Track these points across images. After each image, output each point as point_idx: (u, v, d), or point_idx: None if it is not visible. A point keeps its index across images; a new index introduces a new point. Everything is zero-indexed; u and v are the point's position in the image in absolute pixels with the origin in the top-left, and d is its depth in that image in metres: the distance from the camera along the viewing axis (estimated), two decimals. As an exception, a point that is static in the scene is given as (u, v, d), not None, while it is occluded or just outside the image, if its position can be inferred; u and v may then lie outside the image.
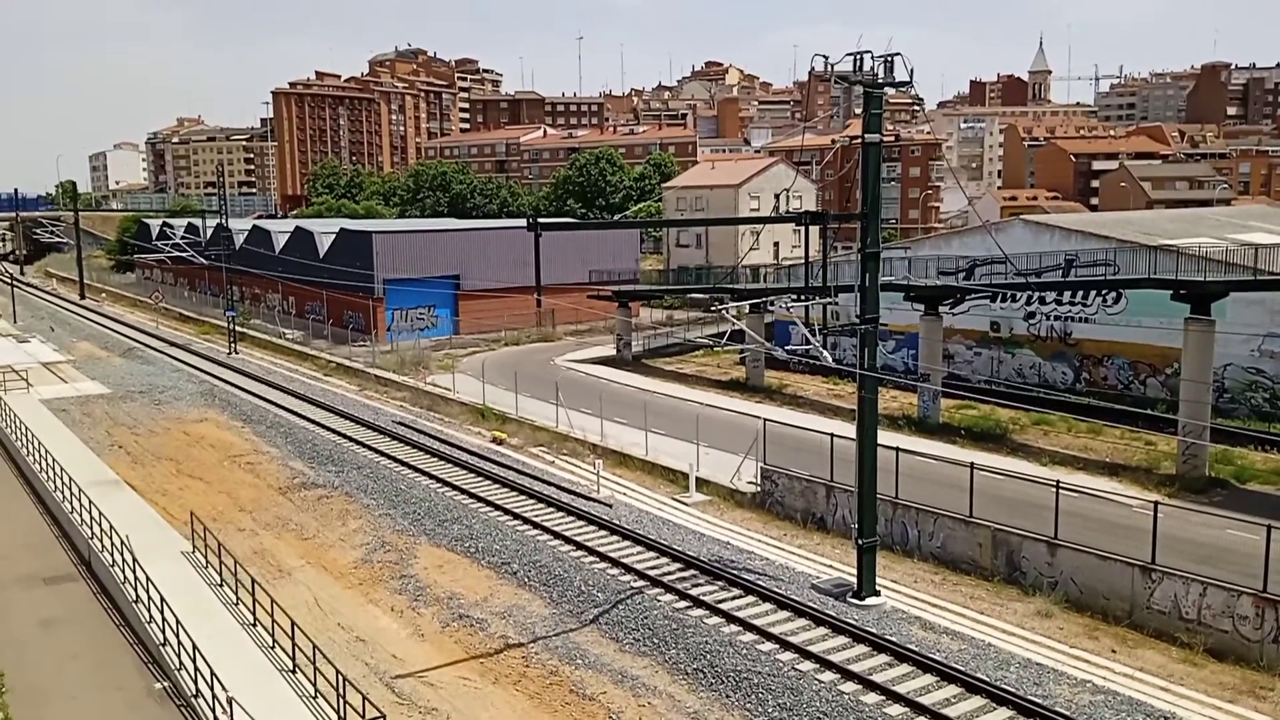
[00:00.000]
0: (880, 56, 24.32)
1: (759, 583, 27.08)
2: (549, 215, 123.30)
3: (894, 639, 23.72)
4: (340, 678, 20.28)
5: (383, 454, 42.37)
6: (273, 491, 38.84)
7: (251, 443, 45.99)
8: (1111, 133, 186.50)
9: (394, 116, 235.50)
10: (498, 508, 34.72)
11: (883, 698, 21.32)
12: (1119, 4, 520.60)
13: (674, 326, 76.10)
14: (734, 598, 26.46)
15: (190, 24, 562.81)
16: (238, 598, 26.55)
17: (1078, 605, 25.94)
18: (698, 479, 36.65)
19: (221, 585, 27.71)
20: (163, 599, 24.39)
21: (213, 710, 20.64)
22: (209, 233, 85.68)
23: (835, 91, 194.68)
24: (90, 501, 32.29)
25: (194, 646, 21.87)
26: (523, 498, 36.01)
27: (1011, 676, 21.98)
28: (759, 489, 35.33)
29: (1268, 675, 22.31)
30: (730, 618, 25.16)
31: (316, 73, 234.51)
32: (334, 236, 77.37)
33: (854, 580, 26.73)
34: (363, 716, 19.01)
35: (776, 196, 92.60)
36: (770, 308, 56.94)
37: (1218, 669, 22.83)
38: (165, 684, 23.48)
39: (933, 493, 30.40)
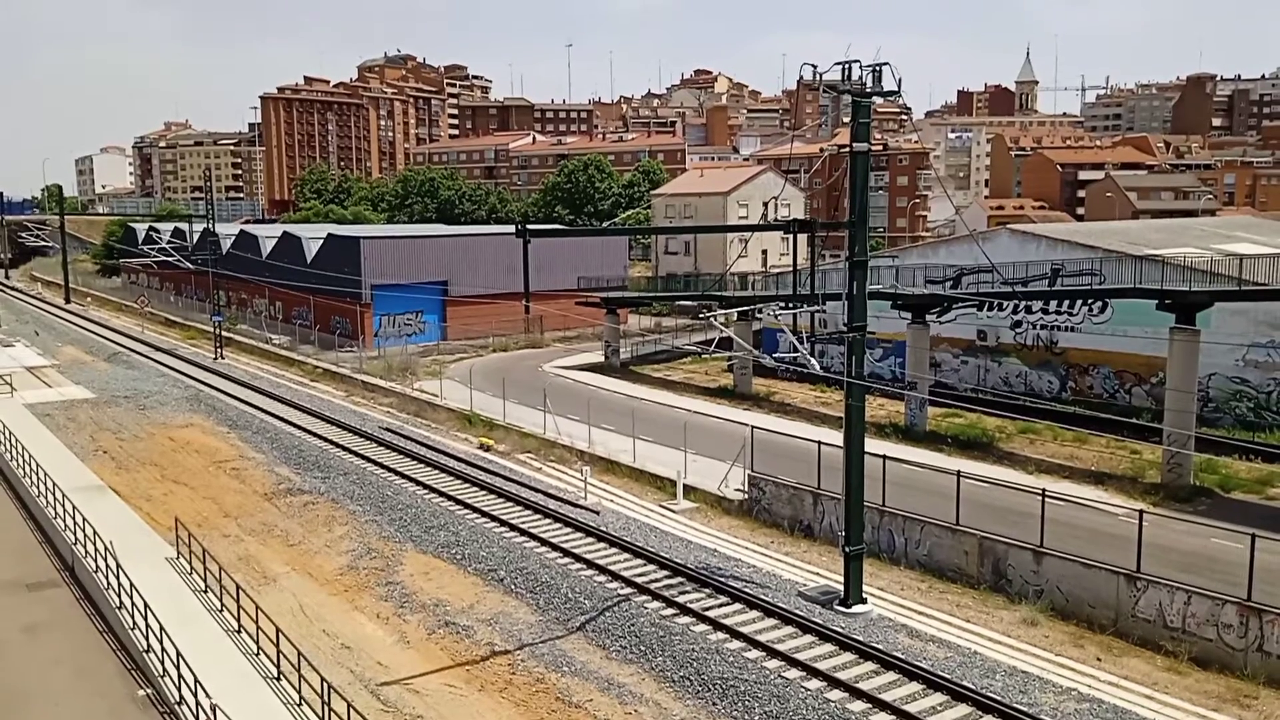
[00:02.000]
0: (868, 66, 24.45)
1: (746, 590, 27.08)
2: (537, 222, 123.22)
3: (880, 647, 23.74)
4: (325, 685, 20.19)
5: (369, 460, 42.24)
6: (258, 497, 38.66)
7: (237, 448, 45.78)
8: (1098, 143, 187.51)
9: (382, 122, 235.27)
10: (484, 514, 34.63)
11: (869, 705, 21.33)
12: (1105, 15, 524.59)
13: (662, 333, 76.10)
14: (721, 605, 26.45)
15: (178, 28, 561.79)
16: (222, 604, 26.39)
17: (1063, 613, 26.01)
18: (685, 486, 36.63)
19: (206, 591, 27.54)
20: (146, 605, 24.24)
21: (196, 717, 20.50)
22: (196, 237, 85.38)
23: (823, 100, 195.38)
24: (74, 507, 32.11)
25: (177, 653, 21.73)
26: (509, 504, 35.94)
27: (997, 684, 22.03)
28: (746, 496, 35.34)
29: (1251, 683, 22.41)
30: (717, 625, 25.15)
31: (305, 78, 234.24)
32: (321, 242, 77.19)
33: (841, 588, 26.75)
34: (348, 724, 18.91)
35: (765, 204, 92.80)
36: (758, 315, 57.08)
37: (1202, 677, 22.92)
38: (148, 691, 23.33)
39: (919, 501, 30.46)
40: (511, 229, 26.29)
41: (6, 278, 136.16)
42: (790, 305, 28.42)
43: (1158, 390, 43.11)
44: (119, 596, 26.41)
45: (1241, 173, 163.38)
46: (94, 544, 29.12)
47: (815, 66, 24.20)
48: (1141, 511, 26.07)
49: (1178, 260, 42.96)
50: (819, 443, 32.90)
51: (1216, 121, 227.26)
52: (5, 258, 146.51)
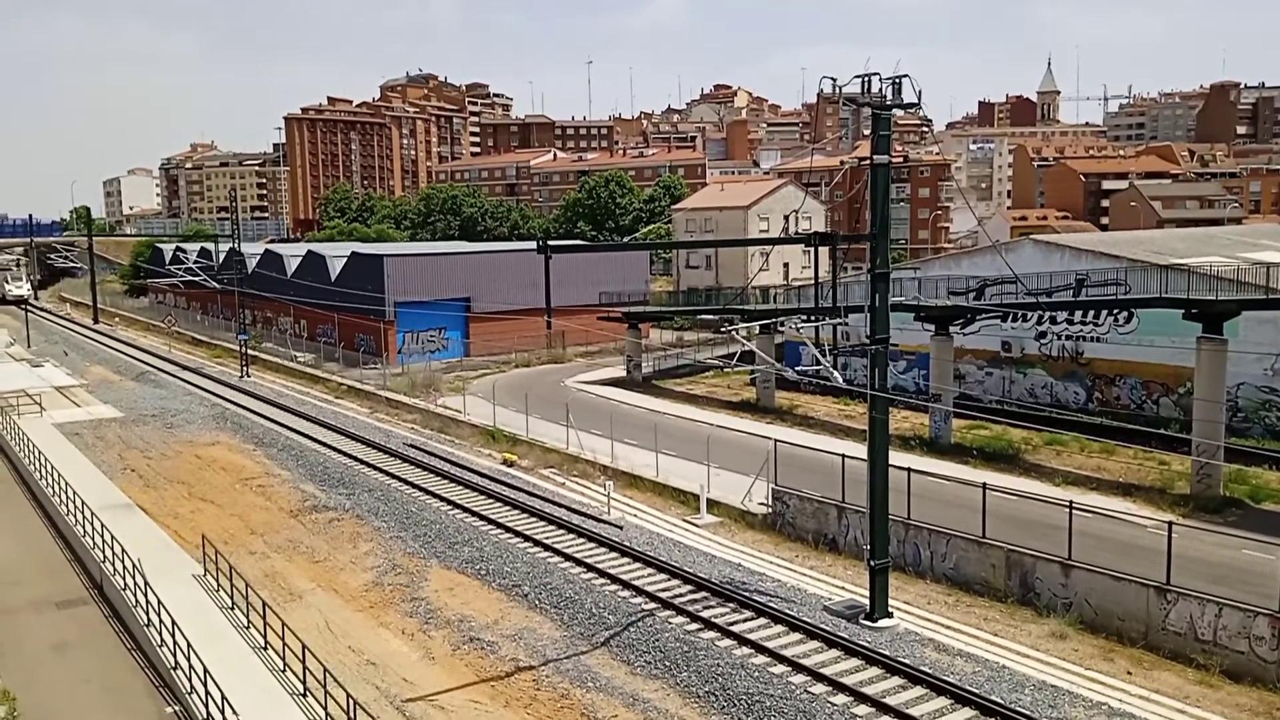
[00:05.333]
0: (888, 78, 24.47)
1: (771, 605, 26.97)
2: (559, 237, 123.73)
3: (907, 661, 23.58)
4: (351, 701, 20.26)
5: (393, 476, 42.42)
6: (284, 514, 38.88)
7: (263, 465, 46.09)
8: (1121, 152, 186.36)
9: (405, 141, 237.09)
10: (508, 530, 34.69)
11: (896, 720, 21.19)
12: (1127, 24, 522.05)
13: (684, 348, 76.08)
14: (746, 620, 26.36)
15: (203, 50, 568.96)
16: (249, 621, 26.54)
17: (1092, 627, 25.76)
18: (708, 500, 36.56)
19: (233, 608, 27.71)
20: (174, 622, 24.41)
21: (224, 734, 20.59)
22: (222, 257, 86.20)
23: (844, 113, 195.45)
24: (102, 525, 32.38)
25: (205, 670, 21.86)
26: (533, 520, 35.98)
27: (1026, 699, 21.82)
28: (770, 510, 35.22)
29: (1286, 697, 22.10)
30: (742, 640, 25.06)
31: (328, 98, 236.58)
32: (345, 260, 77.75)
33: (866, 602, 26.61)
34: (373, 740, 18.93)
35: (786, 218, 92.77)
36: (780, 328, 56.92)
37: (1234, 690, 22.63)
38: (176, 708, 23.47)
39: (945, 513, 30.26)
40: (533, 245, 26.43)
41: (36, 298, 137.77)
42: (812, 318, 28.38)
43: (1185, 400, 42.70)
44: (147, 614, 26.60)
45: (1267, 180, 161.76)
46: (122, 562, 29.35)
47: (835, 80, 24.28)
48: (1171, 523, 25.77)
49: (1204, 269, 42.56)
50: (843, 456, 32.76)
51: (1241, 129, 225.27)
52: (34, 279, 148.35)
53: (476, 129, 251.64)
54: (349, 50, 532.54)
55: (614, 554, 31.93)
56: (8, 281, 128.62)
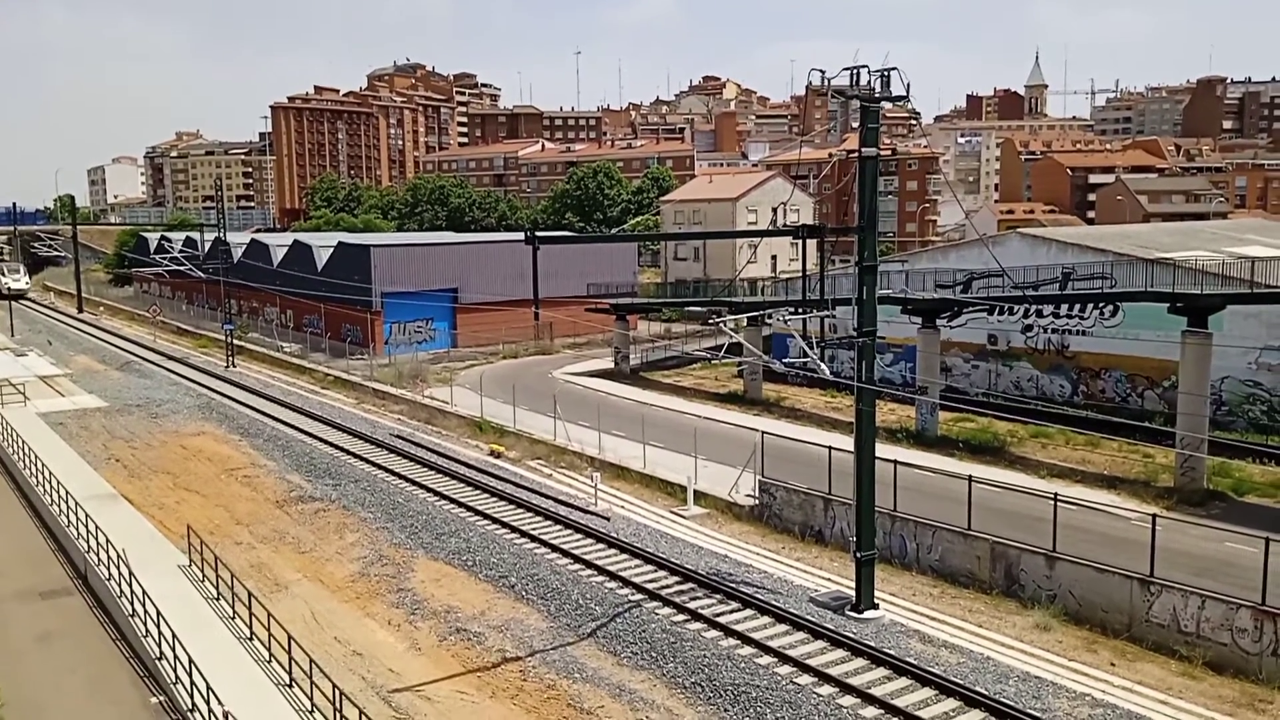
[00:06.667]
0: (877, 71, 24.45)
1: (757, 596, 27.04)
2: (547, 229, 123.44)
3: (892, 652, 23.68)
4: (337, 692, 20.23)
5: (380, 467, 42.32)
6: (270, 505, 38.75)
7: (249, 456, 45.91)
8: (1108, 146, 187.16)
9: (392, 130, 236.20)
10: (495, 521, 34.67)
11: (881, 711, 21.27)
12: (1115, 19, 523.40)
13: (672, 339, 76.11)
14: (732, 611, 26.41)
15: (190, 39, 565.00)
16: (234, 611, 26.47)
17: (1076, 618, 25.90)
18: (696, 492, 36.61)
19: (218, 599, 27.62)
20: (159, 613, 24.32)
21: (209, 725, 20.54)
22: (207, 246, 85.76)
23: (832, 106, 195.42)
24: (87, 515, 32.22)
25: (190, 661, 21.80)
26: (520, 511, 35.97)
27: (1010, 690, 21.94)
28: (757, 502, 35.29)
29: (1267, 688, 22.28)
30: (729, 631, 25.12)
31: (315, 87, 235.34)
32: (332, 250, 77.47)
33: (852, 593, 26.70)
34: (359, 731, 18.92)
35: (774, 210, 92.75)
36: (768, 321, 57.04)
37: (1217, 682, 22.80)
38: (161, 698, 23.41)
39: (931, 506, 30.38)
40: (521, 236, 26.37)
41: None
42: (800, 310, 28.42)
43: (1170, 394, 42.95)
44: (131, 605, 26.50)
45: (1253, 175, 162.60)
46: (106, 552, 29.22)
47: (824, 72, 24.23)
48: (1155, 516, 25.95)
49: (1189, 263, 42.79)
50: (830, 448, 32.83)
51: (1227, 124, 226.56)
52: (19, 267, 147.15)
53: (464, 119, 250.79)
54: (339, 42, 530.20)
55: (601, 545, 31.96)
56: (4, 274, 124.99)
